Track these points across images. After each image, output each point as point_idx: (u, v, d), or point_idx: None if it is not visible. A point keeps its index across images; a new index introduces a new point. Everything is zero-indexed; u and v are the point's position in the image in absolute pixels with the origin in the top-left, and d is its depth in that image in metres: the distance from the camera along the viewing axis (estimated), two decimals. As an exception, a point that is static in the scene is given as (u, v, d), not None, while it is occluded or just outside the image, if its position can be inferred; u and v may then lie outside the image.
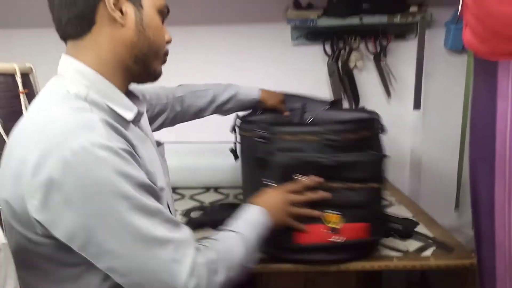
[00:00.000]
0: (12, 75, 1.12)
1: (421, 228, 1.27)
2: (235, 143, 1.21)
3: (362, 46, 1.81)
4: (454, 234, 1.22)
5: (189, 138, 1.71)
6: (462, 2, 0.80)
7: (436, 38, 1.77)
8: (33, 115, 0.72)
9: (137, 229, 0.65)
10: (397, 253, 1.12)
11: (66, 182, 0.62)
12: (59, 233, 0.65)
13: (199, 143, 1.72)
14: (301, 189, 0.97)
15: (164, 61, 0.83)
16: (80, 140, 0.63)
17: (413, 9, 1.69)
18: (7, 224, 0.73)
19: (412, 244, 1.17)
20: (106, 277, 0.70)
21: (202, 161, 1.68)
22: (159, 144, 0.95)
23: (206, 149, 1.70)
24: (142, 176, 0.69)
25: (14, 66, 1.13)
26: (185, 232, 0.72)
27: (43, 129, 0.67)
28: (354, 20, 1.69)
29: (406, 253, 1.12)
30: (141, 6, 0.75)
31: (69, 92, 0.72)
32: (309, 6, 1.76)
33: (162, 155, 0.94)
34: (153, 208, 0.68)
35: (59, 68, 0.76)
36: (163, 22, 0.81)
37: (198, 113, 1.27)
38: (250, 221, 0.86)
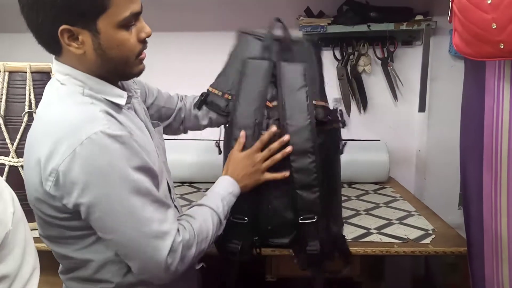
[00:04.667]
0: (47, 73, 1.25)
1: (423, 221, 1.37)
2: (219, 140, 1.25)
3: (370, 51, 1.91)
4: (457, 230, 1.29)
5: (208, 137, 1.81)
6: (451, 10, 0.90)
7: (441, 45, 1.85)
8: (42, 115, 0.82)
9: (131, 208, 0.75)
10: (398, 240, 1.21)
11: (74, 168, 0.72)
12: (70, 206, 0.75)
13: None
14: (264, 145, 1.04)
15: (142, 59, 0.85)
16: (86, 131, 0.73)
17: (419, 17, 1.79)
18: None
19: (413, 233, 1.26)
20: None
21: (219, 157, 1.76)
22: (157, 125, 1.03)
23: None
24: (140, 157, 0.78)
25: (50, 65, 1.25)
26: (170, 213, 0.82)
27: (53, 125, 0.77)
28: (362, 28, 1.78)
29: (406, 240, 1.21)
30: (97, 31, 0.75)
31: (68, 89, 0.80)
32: (321, 14, 1.87)
33: (160, 135, 1.02)
34: (144, 190, 0.77)
35: (54, 71, 0.84)
36: (131, 27, 0.79)
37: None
38: (221, 195, 0.97)
